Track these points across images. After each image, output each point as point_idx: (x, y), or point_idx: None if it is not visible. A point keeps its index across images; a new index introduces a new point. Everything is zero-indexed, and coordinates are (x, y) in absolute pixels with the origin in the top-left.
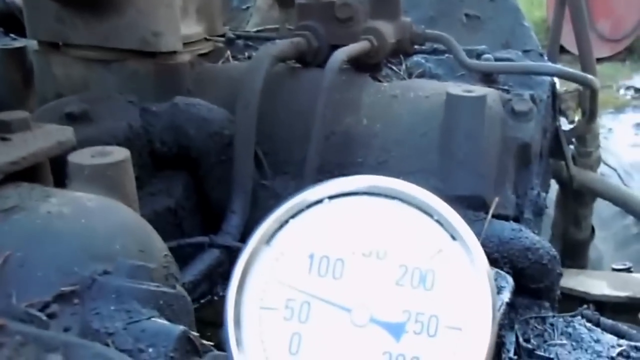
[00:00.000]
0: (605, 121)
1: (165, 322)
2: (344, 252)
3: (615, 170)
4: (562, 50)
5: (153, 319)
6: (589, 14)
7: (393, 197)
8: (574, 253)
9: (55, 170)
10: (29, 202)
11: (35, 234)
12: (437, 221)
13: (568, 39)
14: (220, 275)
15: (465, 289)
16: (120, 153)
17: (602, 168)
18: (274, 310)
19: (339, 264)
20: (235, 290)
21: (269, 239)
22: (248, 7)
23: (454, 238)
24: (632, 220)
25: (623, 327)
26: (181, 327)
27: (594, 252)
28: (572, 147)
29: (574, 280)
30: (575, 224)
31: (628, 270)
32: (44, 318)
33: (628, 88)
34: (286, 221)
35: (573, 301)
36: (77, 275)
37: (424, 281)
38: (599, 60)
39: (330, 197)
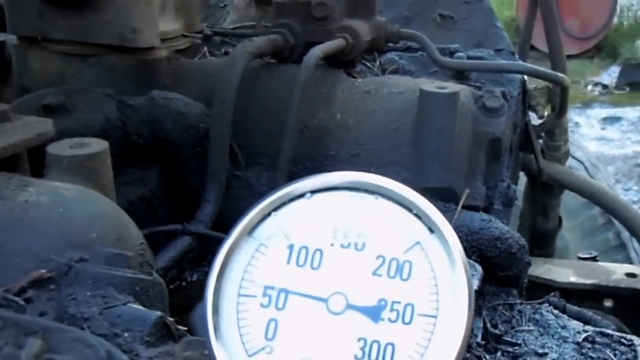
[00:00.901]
0: (573, 116)
1: (141, 307)
2: (323, 244)
3: (582, 163)
4: (531, 47)
5: (129, 304)
6: (559, 14)
7: (373, 192)
8: (542, 242)
9: (33, 161)
10: (7, 191)
11: (12, 222)
12: (416, 215)
13: (536, 37)
14: (189, 261)
15: (442, 279)
16: (99, 145)
17: (569, 161)
18: (252, 297)
19: (318, 255)
20: (215, 278)
21: (251, 230)
22: (225, 5)
23: (431, 231)
24: (598, 211)
25: (588, 313)
26: (157, 313)
27: (561, 242)
28: (541, 141)
29: (541, 268)
30: (543, 215)
31: (594, 259)
32: (22, 303)
33: (595, 84)
34: (268, 214)
35: (540, 289)
36: (54, 262)
37: (400, 272)
38: (567, 57)
39: (313, 192)
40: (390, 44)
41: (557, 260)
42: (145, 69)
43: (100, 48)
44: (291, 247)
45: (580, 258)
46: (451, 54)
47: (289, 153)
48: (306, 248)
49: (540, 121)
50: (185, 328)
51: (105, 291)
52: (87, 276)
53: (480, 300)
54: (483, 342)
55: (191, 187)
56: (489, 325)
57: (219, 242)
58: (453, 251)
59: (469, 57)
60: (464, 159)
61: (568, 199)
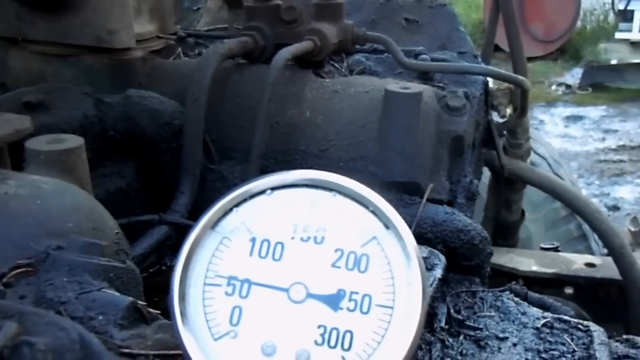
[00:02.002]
0: (537, 114)
1: (115, 292)
2: (284, 237)
3: (545, 159)
4: (497, 48)
5: (103, 290)
6: (524, 18)
7: (331, 190)
8: (505, 233)
9: (13, 155)
10: None
11: None
12: (372, 212)
13: (502, 39)
14: (168, 247)
15: (398, 272)
16: (75, 140)
17: (533, 157)
18: (217, 286)
19: (279, 247)
20: (181, 268)
21: (214, 225)
22: (199, 8)
23: (387, 227)
24: (560, 204)
25: (549, 300)
26: (129, 298)
27: (525, 233)
28: (504, 139)
29: (505, 258)
30: (506, 208)
31: (555, 249)
32: (1, 287)
33: (559, 84)
34: (230, 209)
35: (503, 277)
36: (33, 250)
37: (358, 264)
38: (532, 59)
39: (273, 189)
40: (357, 46)
41: (520, 250)
42: (121, 68)
43: (78, 49)
44: (253, 240)
45: (542, 248)
46: (416, 56)
47: (260, 148)
48: (268, 241)
49: (503, 120)
50: (159, 311)
51: (81, 277)
52: (63, 263)
53: (445, 287)
54: (447, 327)
55: (167, 179)
56: (452, 311)
57: None
58: (407, 246)
59: (433, 59)
60: (428, 155)
61: (532, 192)
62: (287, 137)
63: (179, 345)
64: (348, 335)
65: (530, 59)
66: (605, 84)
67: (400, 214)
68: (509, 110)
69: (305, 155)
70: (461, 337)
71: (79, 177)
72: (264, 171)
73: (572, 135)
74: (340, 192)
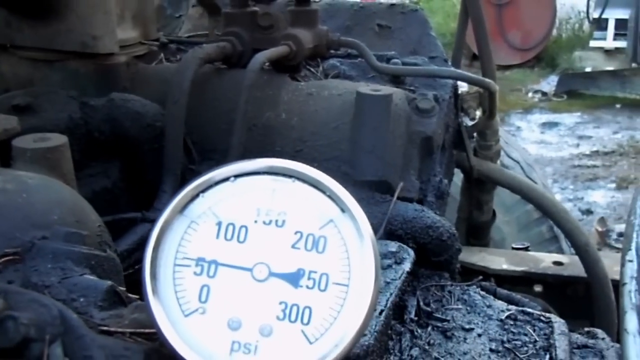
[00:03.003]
0: (514, 120)
1: (96, 278)
2: (248, 221)
3: (518, 162)
4: (475, 57)
5: (85, 275)
6: (502, 26)
7: (291, 176)
8: (478, 233)
9: (1, 153)
10: None
11: None
12: (329, 196)
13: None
14: None
15: (353, 253)
16: (59, 139)
17: (506, 161)
18: (187, 266)
19: (243, 230)
20: (152, 249)
21: (182, 209)
22: (181, 15)
23: (343, 211)
24: (533, 206)
25: (517, 296)
26: (109, 282)
27: (499, 234)
28: (474, 140)
29: (477, 256)
30: (478, 208)
31: (525, 249)
32: None
33: (536, 92)
34: (197, 195)
35: (475, 275)
36: (19, 240)
37: (316, 245)
38: (510, 66)
39: (236, 176)
40: (332, 51)
41: (491, 249)
42: (106, 73)
43: (64, 54)
44: (219, 223)
45: (513, 248)
46: (388, 60)
47: (238, 149)
48: (233, 225)
49: (472, 122)
50: (138, 296)
51: (64, 264)
52: (48, 251)
53: (415, 282)
54: (416, 318)
55: (150, 179)
56: (421, 303)
57: None
58: (362, 228)
59: (404, 64)
60: (398, 155)
61: (505, 195)
62: (264, 138)
63: (152, 322)
64: (307, 311)
65: (507, 67)
66: (580, 91)
67: (372, 211)
68: (478, 113)
69: (282, 155)
70: (429, 328)
71: (63, 174)
72: None
73: (548, 141)
74: (299, 179)
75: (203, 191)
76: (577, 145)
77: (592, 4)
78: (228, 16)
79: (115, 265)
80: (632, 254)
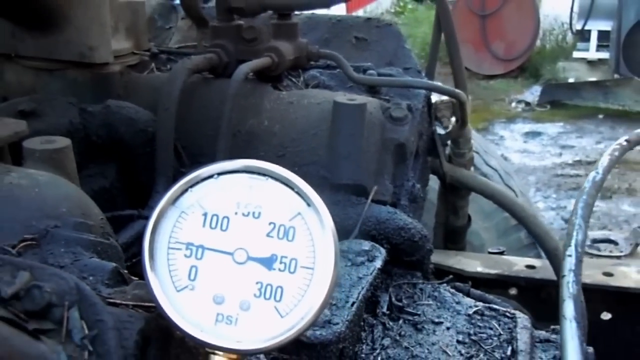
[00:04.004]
0: (498, 130)
1: (102, 261)
2: (229, 213)
3: (496, 170)
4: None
5: (92, 258)
6: (486, 37)
7: (265, 175)
8: (454, 238)
9: (12, 154)
10: None
11: (1, 198)
12: (297, 192)
13: (466, 58)
14: None
15: (317, 241)
16: (63, 141)
17: (485, 169)
18: (178, 249)
19: (225, 220)
20: (150, 234)
21: (174, 201)
22: (171, 27)
23: (309, 205)
24: None
25: (490, 297)
26: (113, 264)
27: (478, 240)
28: (448, 148)
29: (453, 259)
30: (454, 213)
31: (501, 253)
32: (14, 252)
33: (519, 102)
34: (186, 189)
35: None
36: (35, 227)
37: (287, 234)
38: (494, 76)
39: (219, 174)
40: (312, 62)
41: (467, 253)
42: (101, 81)
43: (63, 63)
44: (205, 214)
45: (490, 252)
46: (364, 71)
47: (224, 154)
48: (217, 215)
49: (446, 131)
50: (137, 278)
51: (74, 249)
52: (60, 238)
53: (389, 280)
54: (388, 312)
55: (144, 180)
56: (394, 299)
57: None
58: (324, 220)
59: (379, 75)
60: (372, 160)
61: (484, 202)
62: (248, 144)
63: (150, 295)
64: (279, 290)
65: (491, 77)
66: (563, 102)
67: (348, 213)
68: (452, 122)
69: (264, 160)
70: (400, 321)
71: (68, 172)
72: None
73: (531, 150)
74: (272, 177)
75: (191, 186)
76: (560, 155)
77: (575, 15)
78: (215, 29)
79: (117, 252)
80: (571, 250)
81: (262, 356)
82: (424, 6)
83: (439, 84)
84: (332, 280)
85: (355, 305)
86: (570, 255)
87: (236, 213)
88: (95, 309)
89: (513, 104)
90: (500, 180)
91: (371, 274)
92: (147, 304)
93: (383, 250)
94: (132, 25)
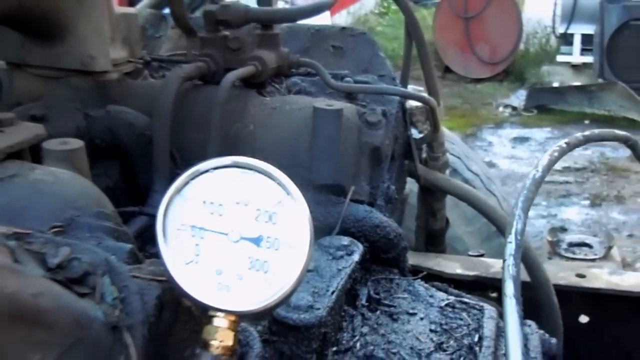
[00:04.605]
0: (486, 135)
1: (120, 243)
2: (224, 200)
3: (478, 175)
4: (448, 70)
5: (112, 241)
6: (470, 40)
7: (251, 169)
8: (434, 240)
9: (32, 154)
10: (23, 172)
11: (30, 191)
12: (278, 183)
13: (454, 62)
14: (150, 236)
15: (295, 223)
16: (77, 143)
17: (467, 174)
18: (184, 230)
19: (221, 207)
20: (162, 217)
21: (179, 190)
22: (161, 36)
23: (288, 194)
24: None
25: (467, 296)
26: (130, 245)
27: (461, 246)
28: (424, 152)
29: (433, 261)
30: (432, 216)
31: (480, 256)
32: (52, 234)
33: (506, 106)
34: (188, 181)
35: (433, 278)
36: (61, 217)
37: (271, 218)
38: (481, 80)
39: (214, 168)
40: (293, 70)
41: (447, 255)
42: (101, 88)
43: (67, 72)
44: (204, 202)
45: (469, 255)
46: (342, 78)
47: (213, 155)
48: (214, 203)
49: (421, 135)
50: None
51: (96, 234)
52: (84, 225)
53: (368, 275)
54: (367, 304)
55: (143, 180)
56: (372, 292)
57: None
58: (300, 206)
59: (356, 82)
60: (350, 162)
61: (467, 207)
62: (235, 146)
63: (163, 269)
64: (266, 264)
65: (479, 80)
66: (549, 106)
67: (330, 211)
68: (426, 126)
69: None
70: (378, 312)
71: (82, 170)
72: None
73: (519, 156)
74: (257, 171)
75: (192, 179)
76: None
77: (557, 18)
78: (203, 40)
79: (129, 238)
80: (511, 237)
81: (254, 332)
82: None
83: (411, 90)
84: (307, 256)
85: (335, 294)
86: (510, 242)
87: (229, 201)
88: (122, 277)
89: (500, 109)
90: (482, 185)
91: (349, 266)
92: (160, 278)
93: (361, 246)
94: (128, 35)
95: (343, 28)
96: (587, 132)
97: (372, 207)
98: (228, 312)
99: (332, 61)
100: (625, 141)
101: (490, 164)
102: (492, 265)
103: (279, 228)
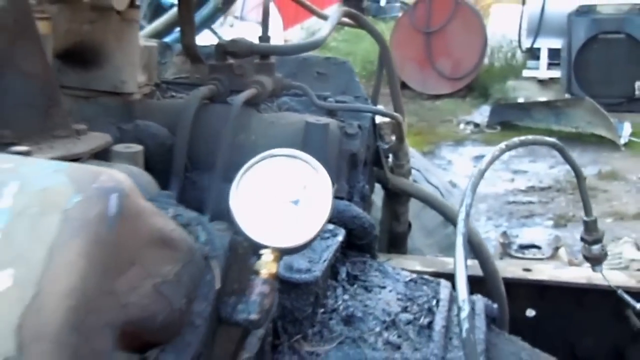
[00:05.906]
0: (445, 153)
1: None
2: (277, 174)
3: (437, 187)
4: (404, 86)
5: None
6: (431, 55)
7: (292, 157)
8: (396, 243)
9: (102, 157)
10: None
11: None
12: (309, 165)
13: (411, 78)
14: None
15: (320, 190)
16: (137, 147)
17: (427, 186)
18: (249, 194)
19: (274, 179)
20: (235, 191)
21: (242, 176)
22: (166, 62)
23: (314, 169)
24: (453, 230)
25: (427, 276)
26: (195, 214)
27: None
28: (390, 160)
29: (395, 262)
30: (396, 219)
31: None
32: None
33: (468, 123)
34: (258, 161)
35: None
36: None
37: (304, 186)
38: (440, 96)
39: (272, 156)
40: (284, 92)
41: (408, 255)
42: (127, 107)
43: (99, 93)
44: (264, 176)
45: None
46: (325, 99)
47: (222, 162)
48: (270, 177)
49: (387, 145)
50: None
51: (167, 210)
52: (160, 205)
53: (346, 258)
54: (346, 279)
55: (161, 182)
56: (349, 270)
57: None
58: (324, 177)
59: (337, 101)
60: (333, 166)
61: (427, 219)
62: (239, 154)
63: (232, 220)
64: (301, 216)
65: (438, 97)
66: (513, 123)
67: None
68: (392, 138)
69: None
70: (355, 286)
71: (141, 167)
72: (226, 177)
73: None
74: (295, 157)
75: (246, 170)
76: (512, 180)
77: (524, 32)
78: (212, 67)
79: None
80: (462, 208)
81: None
82: None
83: (382, 108)
84: (330, 210)
85: (326, 262)
86: (462, 211)
87: (280, 175)
88: (206, 227)
89: (461, 126)
90: (442, 196)
91: (335, 244)
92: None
93: (342, 230)
94: (148, 63)
95: (327, 58)
96: (522, 137)
97: (350, 202)
98: (274, 248)
99: (316, 85)
100: (553, 146)
101: (452, 184)
102: (449, 263)
103: (310, 192)
